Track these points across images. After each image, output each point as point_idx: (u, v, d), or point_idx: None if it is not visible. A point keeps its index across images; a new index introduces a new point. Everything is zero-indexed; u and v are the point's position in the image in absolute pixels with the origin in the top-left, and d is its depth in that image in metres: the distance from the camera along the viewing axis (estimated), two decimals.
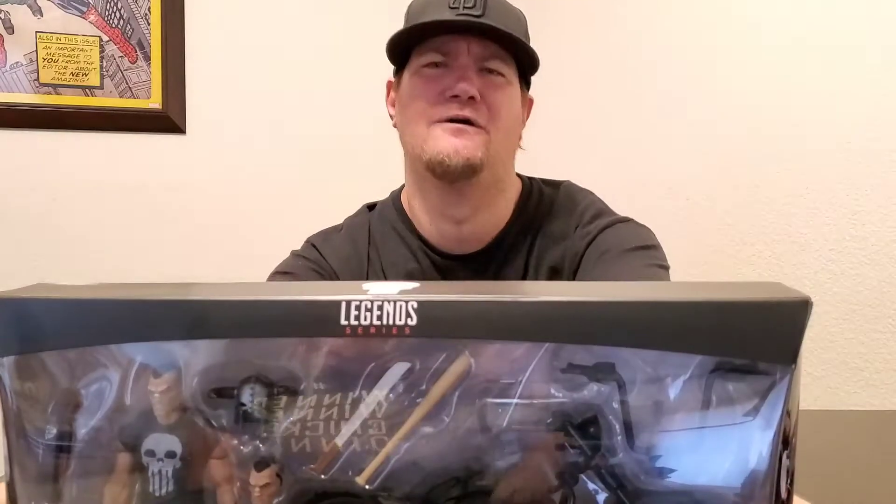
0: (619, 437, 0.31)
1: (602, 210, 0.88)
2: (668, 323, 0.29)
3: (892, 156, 1.12)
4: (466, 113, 0.79)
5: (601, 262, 0.81)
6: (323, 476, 0.32)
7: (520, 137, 0.90)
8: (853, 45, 1.16)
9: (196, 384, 0.32)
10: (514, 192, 0.90)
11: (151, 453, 0.33)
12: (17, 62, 1.71)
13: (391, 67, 0.94)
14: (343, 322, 0.31)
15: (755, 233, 1.31)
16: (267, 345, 0.32)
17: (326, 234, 0.91)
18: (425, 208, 0.87)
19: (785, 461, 0.30)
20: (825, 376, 1.19)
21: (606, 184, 1.04)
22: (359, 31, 1.93)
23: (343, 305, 0.31)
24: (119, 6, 1.76)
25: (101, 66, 1.76)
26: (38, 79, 1.72)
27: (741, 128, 1.34)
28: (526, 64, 0.85)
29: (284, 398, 0.32)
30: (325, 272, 0.87)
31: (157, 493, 0.33)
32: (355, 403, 0.32)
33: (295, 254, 0.90)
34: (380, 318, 0.30)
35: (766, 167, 1.30)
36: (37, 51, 1.71)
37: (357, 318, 0.30)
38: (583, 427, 0.31)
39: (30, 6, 1.70)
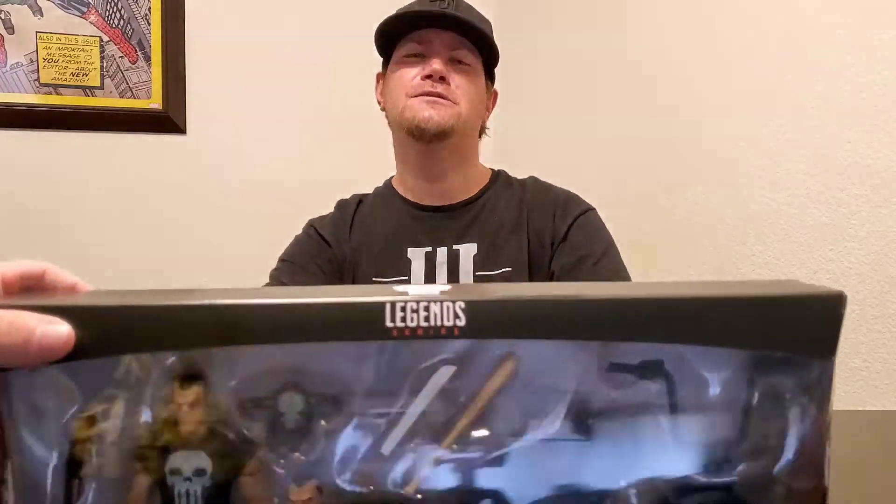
0: (668, 433, 0.31)
1: (570, 196, 1.03)
2: (715, 319, 0.30)
3: (892, 156, 1.12)
4: (438, 89, 0.95)
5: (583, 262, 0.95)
6: (370, 488, 0.30)
7: (484, 122, 1.07)
8: (853, 45, 1.16)
9: (228, 394, 0.30)
10: (483, 170, 1.07)
11: (177, 472, 0.30)
12: (18, 62, 1.71)
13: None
14: (389, 324, 0.29)
15: (755, 233, 1.31)
16: (306, 351, 0.30)
17: (321, 216, 1.07)
18: (408, 170, 1.03)
19: (827, 451, 0.31)
20: None
21: (606, 184, 1.04)
22: (358, 31, 1.93)
23: (388, 307, 0.29)
24: (119, 6, 1.77)
25: (102, 67, 1.76)
26: (38, 79, 1.72)
27: (741, 128, 1.34)
28: (488, 57, 1.03)
29: (325, 407, 0.30)
30: (320, 238, 1.02)
31: None
32: (400, 410, 0.30)
33: (296, 237, 1.05)
34: (427, 318, 0.29)
35: (766, 167, 1.30)
36: (37, 51, 1.72)
37: (403, 319, 0.29)
38: (631, 424, 0.31)
39: (30, 6, 1.71)
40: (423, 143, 0.96)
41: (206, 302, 0.30)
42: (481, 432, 0.30)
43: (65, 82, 1.74)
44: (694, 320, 0.30)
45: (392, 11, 0.98)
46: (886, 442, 0.78)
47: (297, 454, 0.30)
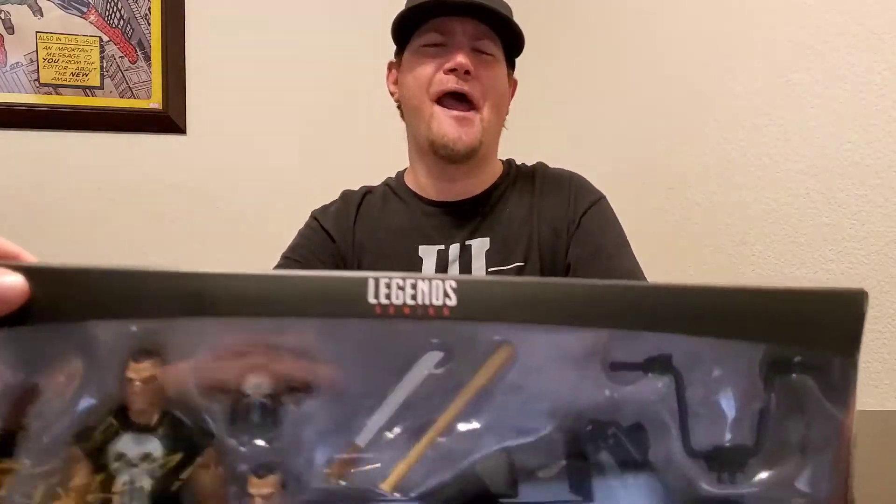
0: (675, 438, 0.28)
1: (581, 183, 1.01)
2: (733, 309, 0.28)
3: (892, 156, 1.12)
4: (464, 88, 0.90)
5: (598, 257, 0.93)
6: (341, 482, 0.27)
7: (506, 113, 1.02)
8: (853, 45, 1.16)
9: (188, 372, 0.27)
10: (498, 163, 1.04)
11: (122, 457, 0.26)
12: (18, 62, 1.71)
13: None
14: (372, 300, 0.26)
15: (755, 233, 1.31)
16: (277, 328, 0.27)
17: (325, 206, 1.04)
18: (423, 171, 0.99)
19: (852, 459, 0.28)
20: None
21: (607, 183, 1.04)
22: (358, 30, 1.93)
23: (371, 282, 0.27)
24: (119, 6, 1.77)
25: (102, 67, 1.76)
26: (38, 79, 1.72)
27: (742, 128, 1.34)
28: (512, 45, 0.98)
29: (295, 391, 0.27)
30: (323, 232, 0.99)
31: None
32: (380, 397, 0.27)
33: (300, 231, 1.03)
34: (414, 297, 0.26)
35: (766, 167, 1.29)
36: (37, 51, 1.71)
37: (388, 296, 0.26)
38: (634, 429, 0.28)
39: (30, 6, 1.71)
40: (447, 161, 0.94)
41: (174, 269, 0.27)
42: (469, 425, 0.28)
43: (65, 82, 1.74)
44: (704, 310, 0.27)
45: (392, 9, 0.97)
46: (886, 442, 0.78)
47: (260, 442, 0.27)
